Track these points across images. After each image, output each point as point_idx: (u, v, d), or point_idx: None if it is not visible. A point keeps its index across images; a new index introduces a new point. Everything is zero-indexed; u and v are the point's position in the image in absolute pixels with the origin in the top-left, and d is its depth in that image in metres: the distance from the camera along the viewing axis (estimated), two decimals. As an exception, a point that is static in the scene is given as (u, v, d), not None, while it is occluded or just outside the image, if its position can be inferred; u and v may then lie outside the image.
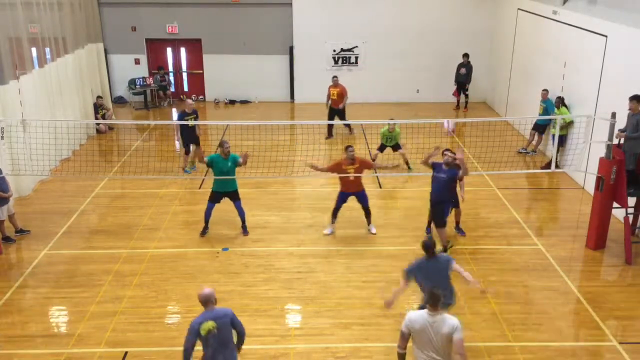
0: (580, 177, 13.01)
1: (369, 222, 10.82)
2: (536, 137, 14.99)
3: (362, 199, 10.63)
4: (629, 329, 8.26)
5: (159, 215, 11.54)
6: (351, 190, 10.53)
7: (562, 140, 13.30)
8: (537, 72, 15.64)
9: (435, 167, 9.83)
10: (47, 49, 14.35)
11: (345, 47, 19.65)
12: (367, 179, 12.17)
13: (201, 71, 20.14)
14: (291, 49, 19.57)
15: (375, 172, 11.10)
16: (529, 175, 13.82)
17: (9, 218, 10.58)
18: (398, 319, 8.36)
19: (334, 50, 19.67)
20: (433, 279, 6.78)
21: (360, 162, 10.51)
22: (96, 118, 16.70)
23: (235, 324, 6.12)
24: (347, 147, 10.43)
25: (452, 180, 9.81)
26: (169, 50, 20.14)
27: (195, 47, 19.90)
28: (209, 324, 5.91)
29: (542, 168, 13.76)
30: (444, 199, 9.79)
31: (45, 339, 7.98)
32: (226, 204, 12.12)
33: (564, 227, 11.25)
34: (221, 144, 10.41)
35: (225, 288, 9.13)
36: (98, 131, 16.75)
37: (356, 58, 19.78)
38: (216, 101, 20.19)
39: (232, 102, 20.11)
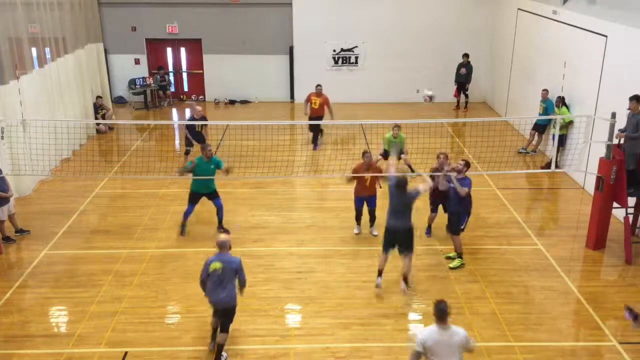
0: (580, 177, 13.01)
1: (372, 225, 10.84)
2: (536, 137, 14.99)
3: (372, 202, 10.72)
4: (629, 329, 8.23)
5: (159, 215, 11.54)
6: (365, 194, 10.61)
7: (562, 140, 13.30)
8: (537, 72, 15.65)
9: (447, 178, 9.78)
10: (47, 49, 14.35)
11: (345, 47, 19.65)
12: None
13: (201, 71, 20.14)
14: (291, 49, 19.57)
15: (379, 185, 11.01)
16: (529, 175, 13.83)
17: (9, 218, 10.58)
18: (398, 319, 8.41)
19: (334, 50, 19.67)
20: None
21: (375, 168, 10.71)
22: (96, 118, 16.70)
23: (239, 272, 7.30)
24: (364, 153, 10.53)
25: (468, 185, 9.54)
26: (169, 50, 20.13)
27: (195, 47, 19.90)
28: (217, 264, 7.21)
29: (542, 168, 13.76)
30: (455, 209, 9.63)
31: (45, 339, 7.98)
32: (227, 204, 12.13)
33: (564, 227, 11.25)
34: (203, 148, 10.53)
35: (225, 288, 9.14)
36: (98, 131, 16.75)
37: (356, 58, 19.79)
38: (216, 101, 20.19)
39: (232, 102, 20.11)
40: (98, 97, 17.18)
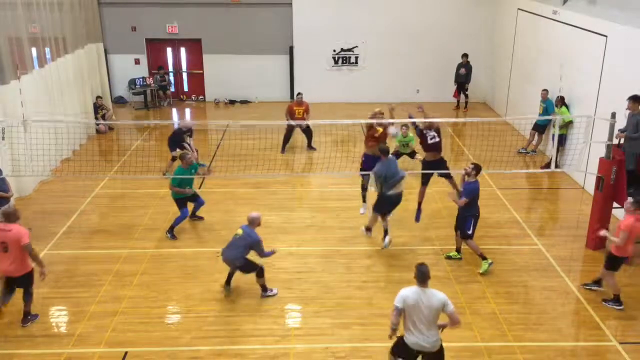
0: (580, 177, 13.01)
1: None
2: (536, 137, 14.99)
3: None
4: (629, 329, 8.26)
5: (159, 215, 11.54)
6: (377, 152, 10.57)
7: (562, 140, 13.30)
8: (537, 72, 15.65)
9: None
10: (47, 49, 14.34)
11: (345, 47, 19.65)
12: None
13: (201, 71, 20.13)
14: (291, 49, 19.57)
15: None
16: (529, 175, 13.83)
17: (9, 218, 10.57)
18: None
19: (334, 50, 19.67)
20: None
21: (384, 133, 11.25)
22: (96, 118, 16.70)
23: (254, 247, 8.60)
24: (375, 114, 11.15)
25: (470, 192, 9.51)
26: (169, 50, 20.13)
27: (195, 47, 19.89)
28: (239, 231, 8.68)
29: (542, 168, 13.76)
30: (460, 211, 9.64)
31: (45, 339, 7.98)
32: (227, 204, 12.15)
33: (564, 227, 11.26)
34: (182, 157, 10.66)
35: (225, 288, 9.16)
36: (98, 131, 16.74)
37: (356, 58, 19.79)
38: (216, 101, 20.19)
39: (232, 102, 20.11)
40: (98, 97, 17.18)
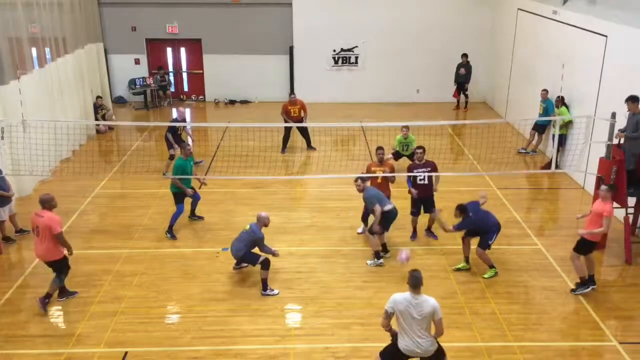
0: (580, 177, 13.00)
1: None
2: (536, 137, 14.99)
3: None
4: (629, 329, 8.26)
5: (158, 215, 11.53)
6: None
7: (562, 140, 13.30)
8: (537, 72, 15.64)
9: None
10: (47, 49, 14.34)
11: (345, 47, 19.65)
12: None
13: (201, 71, 20.13)
14: (291, 49, 19.57)
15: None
16: (529, 175, 13.83)
17: (10, 218, 10.58)
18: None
19: (334, 50, 19.67)
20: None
21: (389, 166, 10.81)
22: (96, 118, 16.69)
23: (257, 244, 9.03)
24: (377, 149, 10.70)
25: (465, 227, 9.46)
26: (169, 50, 20.13)
27: (195, 47, 19.90)
28: (246, 226, 9.12)
29: (542, 168, 13.76)
30: (483, 224, 9.54)
31: (45, 339, 7.98)
32: (227, 204, 12.15)
33: (564, 227, 11.24)
34: (182, 147, 10.83)
35: (225, 288, 9.15)
36: (98, 131, 16.74)
37: (356, 58, 19.78)
38: (216, 101, 20.19)
39: (232, 102, 20.11)
40: (98, 97, 17.18)
